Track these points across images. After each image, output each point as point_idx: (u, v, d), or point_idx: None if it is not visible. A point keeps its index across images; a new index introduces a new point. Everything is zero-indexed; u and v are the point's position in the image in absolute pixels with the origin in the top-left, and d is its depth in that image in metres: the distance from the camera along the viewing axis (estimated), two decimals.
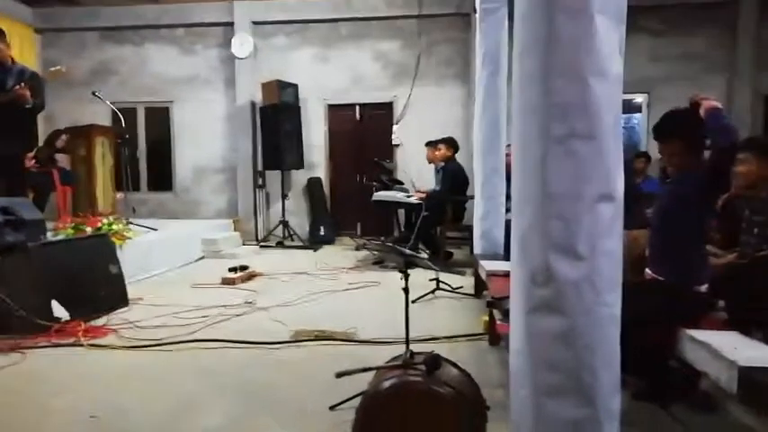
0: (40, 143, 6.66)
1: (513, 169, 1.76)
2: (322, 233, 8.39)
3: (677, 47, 7.83)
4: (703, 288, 2.56)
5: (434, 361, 1.90)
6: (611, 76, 1.54)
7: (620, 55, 1.57)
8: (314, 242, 8.13)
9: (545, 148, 1.57)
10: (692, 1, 7.69)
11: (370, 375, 2.14)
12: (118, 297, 4.49)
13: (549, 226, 1.58)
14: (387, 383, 1.87)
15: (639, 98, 8.09)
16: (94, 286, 4.28)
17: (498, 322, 3.03)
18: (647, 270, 2.80)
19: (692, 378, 2.57)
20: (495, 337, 3.39)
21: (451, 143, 6.75)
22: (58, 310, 3.83)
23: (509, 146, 5.30)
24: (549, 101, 1.57)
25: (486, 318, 3.58)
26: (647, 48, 7.65)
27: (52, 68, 5.02)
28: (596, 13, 1.50)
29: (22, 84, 4.67)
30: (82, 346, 3.54)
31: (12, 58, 4.99)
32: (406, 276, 2.72)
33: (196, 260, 6.91)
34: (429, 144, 6.99)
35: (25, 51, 8.30)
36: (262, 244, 8.06)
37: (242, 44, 8.47)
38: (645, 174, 7.24)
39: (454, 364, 2.06)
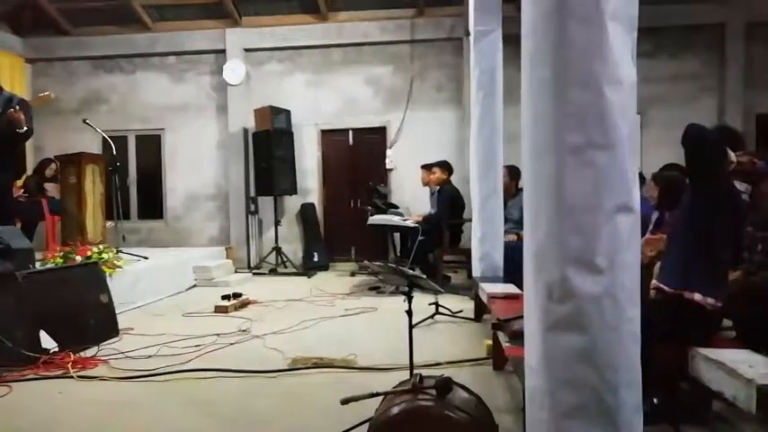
0: (29, 172, 6.60)
1: (525, 181, 1.71)
2: (316, 259, 8.30)
3: (669, 68, 7.93)
4: (709, 300, 2.48)
5: (446, 384, 1.82)
6: (624, 83, 1.51)
7: (632, 62, 1.54)
8: (308, 268, 8.03)
9: (560, 159, 1.53)
10: (682, 24, 7.82)
11: (375, 402, 2.05)
12: (108, 327, 4.37)
13: (566, 239, 1.52)
14: (397, 409, 1.78)
15: None
16: (84, 316, 4.16)
17: (505, 345, 2.96)
18: (655, 281, 2.75)
19: (704, 398, 2.50)
20: (501, 360, 3.30)
21: (446, 166, 6.74)
22: (47, 341, 3.71)
23: (505, 167, 5.34)
24: (563, 110, 1.53)
25: (490, 341, 3.50)
26: (639, 69, 7.70)
27: (40, 94, 4.97)
28: (608, 20, 1.47)
29: (15, 108, 4.61)
30: (71, 377, 3.41)
31: (0, 87, 4.95)
32: (410, 298, 2.66)
33: (188, 288, 6.79)
34: (424, 167, 6.97)
35: (15, 81, 8.27)
36: (255, 271, 7.95)
37: (234, 71, 8.49)
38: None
39: (465, 388, 1.98)
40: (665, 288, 2.60)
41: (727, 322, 2.85)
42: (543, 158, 1.60)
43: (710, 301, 2.46)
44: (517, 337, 2.65)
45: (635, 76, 1.58)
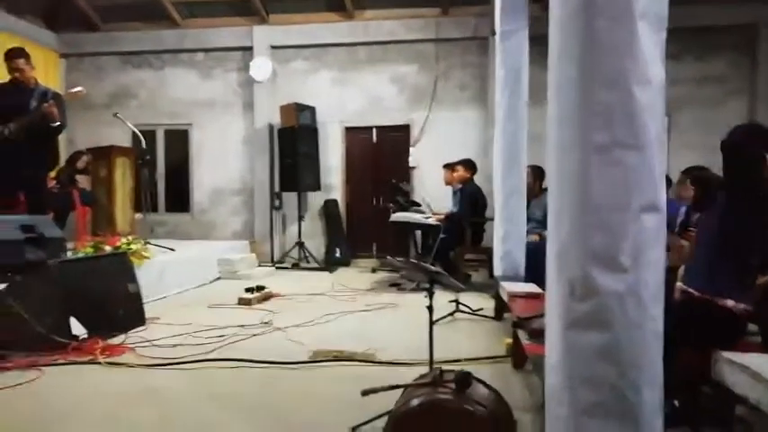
0: (62, 164, 6.76)
1: (549, 179, 1.71)
2: (338, 255, 8.35)
3: (696, 70, 7.78)
4: (741, 306, 2.45)
5: (465, 379, 1.83)
6: (654, 82, 1.50)
7: (661, 61, 1.53)
8: (330, 264, 8.08)
9: (586, 157, 1.53)
10: (710, 24, 7.65)
11: (394, 395, 2.07)
12: (135, 316, 4.46)
13: (590, 237, 1.52)
14: (416, 401, 1.80)
15: None
16: (113, 305, 4.25)
17: (525, 343, 2.96)
18: (680, 284, 2.71)
19: (727, 402, 2.47)
20: (521, 358, 3.30)
21: (470, 165, 6.72)
22: (77, 328, 3.81)
23: (529, 167, 5.31)
24: (590, 108, 1.52)
25: (510, 340, 3.50)
26: (666, 70, 7.61)
27: (72, 90, 5.09)
28: (638, 18, 1.46)
29: (50, 101, 4.73)
30: (99, 363, 3.49)
31: (35, 80, 5.08)
32: (431, 294, 2.67)
33: (212, 281, 6.89)
34: (447, 166, 6.96)
35: (50, 75, 8.48)
36: (277, 265, 8.04)
37: (260, 68, 8.57)
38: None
39: (484, 383, 1.98)
40: (693, 292, 2.57)
41: (752, 327, 2.80)
42: (568, 157, 1.59)
43: (741, 306, 2.43)
44: (538, 335, 2.64)
45: (663, 75, 1.57)
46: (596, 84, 1.51)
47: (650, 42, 1.49)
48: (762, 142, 2.48)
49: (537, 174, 5.78)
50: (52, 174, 6.36)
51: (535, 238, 5.26)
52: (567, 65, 1.59)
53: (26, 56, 4.95)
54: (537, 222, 5.41)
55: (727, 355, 2.29)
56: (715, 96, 7.78)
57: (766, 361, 2.17)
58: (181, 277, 6.16)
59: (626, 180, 1.49)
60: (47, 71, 8.37)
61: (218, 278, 7.05)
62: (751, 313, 2.47)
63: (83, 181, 7.12)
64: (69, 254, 4.66)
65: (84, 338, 3.79)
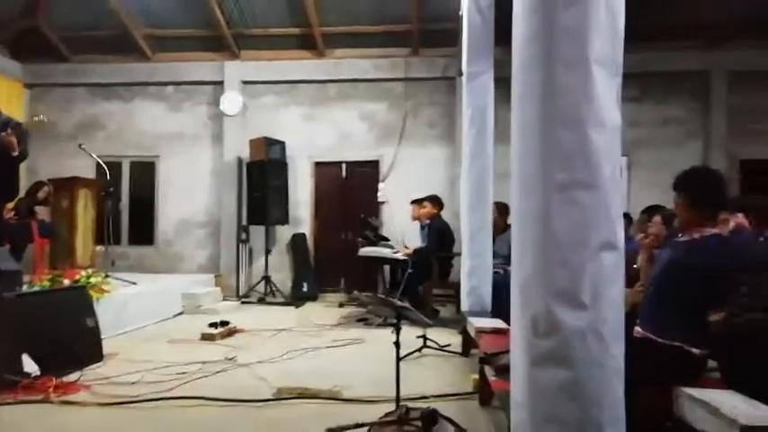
0: (22, 194, 6.57)
1: (513, 215, 1.74)
2: (305, 289, 8.25)
3: (655, 113, 8.11)
4: (696, 351, 2.52)
5: (431, 417, 1.81)
6: (609, 125, 1.56)
7: (617, 105, 1.59)
8: (296, 298, 7.97)
9: (547, 195, 1.57)
10: (668, 70, 8.03)
11: None
12: (92, 352, 4.30)
13: (552, 273, 1.55)
14: None
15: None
16: (68, 340, 4.09)
17: (491, 379, 2.94)
18: (637, 328, 2.76)
19: None
20: (487, 395, 3.28)
21: (437, 201, 6.80)
22: (29, 365, 3.64)
23: (495, 203, 5.39)
24: (550, 148, 1.57)
25: (477, 376, 3.48)
26: (625, 113, 7.84)
27: (35, 118, 5.01)
28: (594, 64, 1.53)
29: (8, 131, 4.62)
30: (52, 402, 3.34)
31: None
32: (398, 329, 2.66)
33: (175, 315, 6.71)
34: (414, 202, 7.02)
35: (13, 105, 8.28)
36: (243, 300, 7.89)
37: (231, 102, 8.58)
38: (626, 235, 7.31)
39: (450, 421, 1.96)
40: (650, 336, 2.63)
41: (711, 363, 2.86)
42: (531, 195, 1.64)
43: (696, 351, 2.49)
44: (503, 372, 2.64)
45: (619, 119, 1.63)
46: (556, 125, 1.56)
47: (606, 87, 1.56)
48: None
49: (502, 210, 5.88)
50: (10, 205, 6.17)
51: (498, 270, 5.30)
52: (528, 107, 1.65)
53: None
54: (503, 258, 5.47)
55: (688, 391, 2.32)
56: (675, 137, 8.10)
57: (725, 397, 2.21)
58: (142, 312, 5.98)
59: (584, 218, 1.54)
60: (9, 101, 8.18)
61: (182, 313, 6.87)
62: (708, 352, 2.54)
63: (42, 212, 6.92)
64: (25, 287, 4.50)
65: (37, 376, 3.62)
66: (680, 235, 2.81)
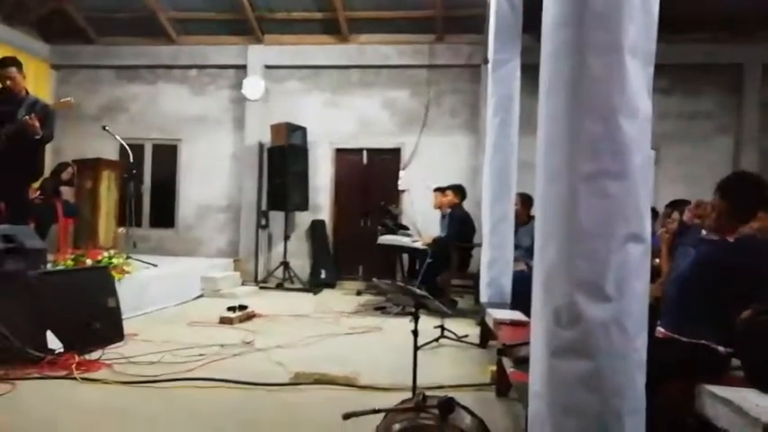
0: (47, 174, 6.71)
1: (537, 205, 1.73)
2: (323, 276, 8.30)
3: (685, 106, 7.96)
4: (722, 349, 2.50)
5: (448, 405, 1.82)
6: (641, 115, 1.54)
7: (648, 95, 1.57)
8: (314, 285, 8.03)
9: (573, 186, 1.56)
10: (699, 62, 7.86)
11: (376, 420, 2.05)
12: (114, 331, 4.39)
13: (576, 264, 1.54)
14: (398, 426, 1.79)
15: None
16: (91, 319, 4.17)
17: (509, 370, 2.95)
18: (659, 328, 2.74)
19: None
20: (505, 386, 3.28)
21: (459, 190, 6.78)
22: (53, 342, 3.74)
23: (518, 194, 5.36)
24: (578, 138, 1.56)
25: (494, 367, 3.48)
26: (653, 105, 7.76)
27: (62, 100, 5.10)
28: (627, 53, 1.51)
29: (32, 114, 4.70)
30: (74, 379, 3.43)
31: (26, 90, 5.06)
32: (416, 318, 2.67)
33: (194, 298, 6.82)
34: (438, 190, 7.01)
35: (40, 86, 8.45)
36: (261, 285, 7.99)
37: (253, 86, 8.62)
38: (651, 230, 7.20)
39: (467, 410, 1.97)
40: (673, 335, 2.61)
41: (735, 362, 2.83)
42: (556, 184, 1.63)
43: (722, 349, 2.47)
44: (522, 363, 2.64)
45: (650, 109, 1.61)
46: (586, 114, 1.55)
47: (638, 76, 1.54)
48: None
49: (526, 201, 5.84)
50: (36, 184, 6.30)
51: (522, 268, 5.28)
52: (556, 96, 1.63)
53: (18, 65, 4.94)
54: (524, 250, 5.45)
55: (710, 388, 2.30)
56: (703, 132, 7.95)
57: (749, 395, 2.19)
58: (162, 293, 6.09)
59: (611, 209, 1.52)
60: (36, 82, 8.34)
61: (201, 296, 6.98)
62: (731, 350, 2.51)
63: (67, 193, 7.06)
64: (49, 266, 4.60)
65: (60, 353, 3.71)
66: (705, 232, 2.78)
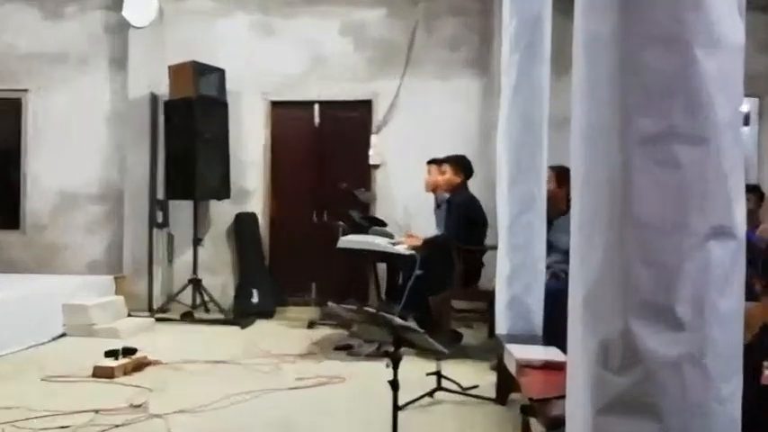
0: None
1: (574, 186, 1.75)
2: (255, 300, 8.30)
3: None
4: None
5: None
6: (728, 46, 1.56)
7: (740, 15, 1.59)
8: (242, 314, 8.02)
9: (626, 154, 1.57)
10: None
11: None
12: None
13: (632, 275, 1.56)
14: None
15: (745, 105, 8.29)
16: None
17: None
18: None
19: None
20: None
21: (461, 164, 6.79)
22: None
23: (551, 168, 5.40)
24: (632, 81, 1.57)
25: None
26: (756, 32, 7.90)
27: None
28: None
29: None
30: None
31: None
32: (396, 361, 2.68)
33: (53, 339, 6.80)
34: (430, 163, 7.01)
35: None
36: (159, 316, 7.96)
37: (140, 6, 8.53)
38: (754, 219, 7.28)
39: None
40: None
41: None
42: (599, 153, 1.64)
43: None
44: (558, 427, 2.68)
45: (743, 37, 1.63)
46: (641, 45, 1.56)
47: None
48: None
49: (564, 179, 5.88)
50: None
51: (560, 274, 5.34)
52: (599, 17, 1.65)
53: None
54: (562, 253, 5.50)
55: None
56: None
57: None
58: (3, 332, 6.04)
59: (683, 189, 1.54)
60: None
61: (63, 335, 6.96)
62: None
63: None
64: None
65: None
66: None
